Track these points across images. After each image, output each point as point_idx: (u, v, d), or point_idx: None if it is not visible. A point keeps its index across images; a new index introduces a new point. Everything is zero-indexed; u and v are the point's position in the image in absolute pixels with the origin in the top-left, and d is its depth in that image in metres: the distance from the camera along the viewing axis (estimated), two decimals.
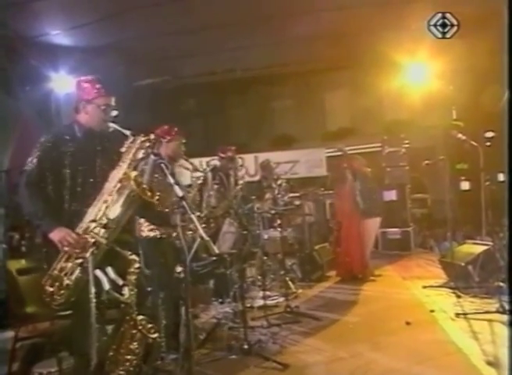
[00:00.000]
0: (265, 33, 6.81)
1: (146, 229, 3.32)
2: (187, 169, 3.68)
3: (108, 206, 2.37)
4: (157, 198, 2.39)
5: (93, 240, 2.32)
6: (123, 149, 2.45)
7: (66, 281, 2.32)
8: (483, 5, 5.62)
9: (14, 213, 5.43)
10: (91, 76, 2.60)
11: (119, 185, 2.39)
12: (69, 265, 2.34)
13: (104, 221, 2.34)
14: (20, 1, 5.47)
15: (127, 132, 2.44)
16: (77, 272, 2.32)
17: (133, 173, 2.38)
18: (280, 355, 3.30)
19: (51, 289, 2.33)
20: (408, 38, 6.49)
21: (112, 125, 2.49)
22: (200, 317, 4.22)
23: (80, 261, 2.31)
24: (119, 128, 2.46)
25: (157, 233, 3.30)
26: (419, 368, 2.94)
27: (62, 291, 2.32)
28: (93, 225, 2.36)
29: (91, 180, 2.48)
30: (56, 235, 2.34)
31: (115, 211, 2.37)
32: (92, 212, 2.38)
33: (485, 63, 6.49)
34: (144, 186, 2.41)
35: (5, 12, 5.54)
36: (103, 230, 2.34)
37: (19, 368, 2.78)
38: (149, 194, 2.38)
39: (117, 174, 2.41)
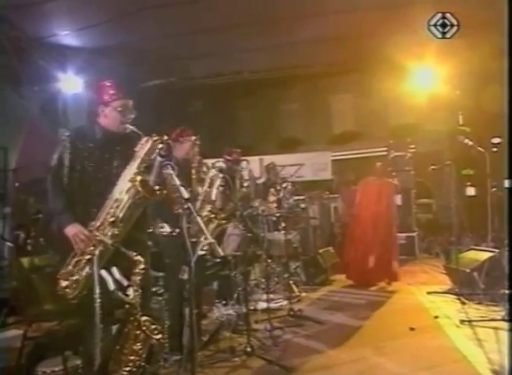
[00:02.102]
0: (273, 36, 6.81)
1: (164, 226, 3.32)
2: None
3: (118, 205, 2.44)
4: (165, 192, 2.43)
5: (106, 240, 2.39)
6: (137, 148, 2.52)
7: (77, 276, 2.41)
8: (489, 7, 5.60)
9: (20, 212, 5.47)
10: (108, 79, 2.67)
11: (128, 185, 2.44)
12: (81, 261, 2.43)
13: (113, 219, 2.41)
14: (30, 2, 5.52)
15: (143, 134, 2.51)
16: (87, 268, 2.40)
17: (139, 177, 2.42)
18: (283, 359, 3.29)
19: (66, 283, 2.41)
20: (415, 42, 6.47)
21: (128, 126, 2.57)
22: (208, 317, 4.22)
23: (88, 257, 2.40)
24: (136, 129, 2.54)
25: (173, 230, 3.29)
26: (423, 374, 2.92)
27: (74, 286, 2.41)
28: (103, 223, 2.43)
29: (106, 180, 2.55)
30: (70, 231, 2.44)
31: (123, 210, 2.43)
32: (104, 211, 2.45)
33: (493, 68, 6.46)
34: (151, 185, 2.46)
35: (14, 13, 5.59)
36: (112, 229, 2.40)
37: (23, 366, 2.78)
38: (157, 191, 2.42)
39: (128, 174, 2.47)
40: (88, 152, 2.56)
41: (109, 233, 2.40)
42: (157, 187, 2.46)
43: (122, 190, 2.45)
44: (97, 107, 2.64)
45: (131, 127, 2.55)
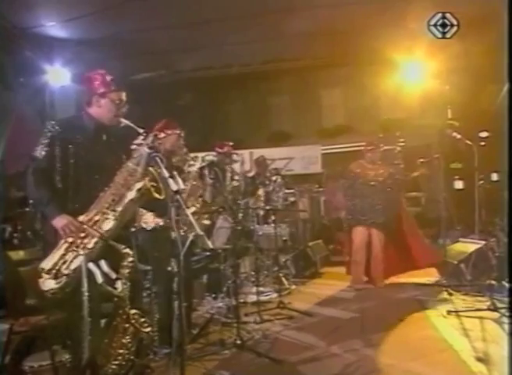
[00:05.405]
0: (263, 29, 6.77)
1: (150, 219, 3.30)
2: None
3: (114, 199, 2.40)
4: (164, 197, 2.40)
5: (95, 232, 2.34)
6: (134, 146, 2.48)
7: (65, 271, 2.32)
8: (480, 4, 5.63)
9: (6, 205, 5.39)
10: (100, 70, 2.59)
11: (128, 179, 2.43)
12: (70, 254, 2.34)
13: (110, 213, 2.38)
14: None
15: (140, 129, 2.45)
16: (78, 262, 2.31)
17: (149, 184, 2.40)
18: (273, 351, 3.30)
19: (48, 276, 2.32)
20: (405, 37, 6.50)
21: (123, 121, 2.50)
22: (198, 310, 4.22)
23: (82, 251, 2.32)
24: (132, 124, 2.47)
25: (160, 222, 3.27)
26: (411, 364, 2.95)
27: (59, 280, 2.31)
28: (97, 217, 2.39)
29: (95, 172, 2.50)
30: (59, 222, 2.35)
31: (122, 205, 2.41)
32: (98, 205, 2.41)
33: (482, 63, 6.52)
34: (154, 184, 2.42)
35: (0, 3, 5.48)
36: (112, 223, 2.37)
37: (10, 361, 2.75)
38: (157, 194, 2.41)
39: (125, 170, 2.45)
40: (77, 144, 2.47)
41: (106, 227, 2.37)
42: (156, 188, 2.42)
43: (122, 183, 2.42)
44: (91, 97, 2.55)
45: (126, 121, 2.49)
